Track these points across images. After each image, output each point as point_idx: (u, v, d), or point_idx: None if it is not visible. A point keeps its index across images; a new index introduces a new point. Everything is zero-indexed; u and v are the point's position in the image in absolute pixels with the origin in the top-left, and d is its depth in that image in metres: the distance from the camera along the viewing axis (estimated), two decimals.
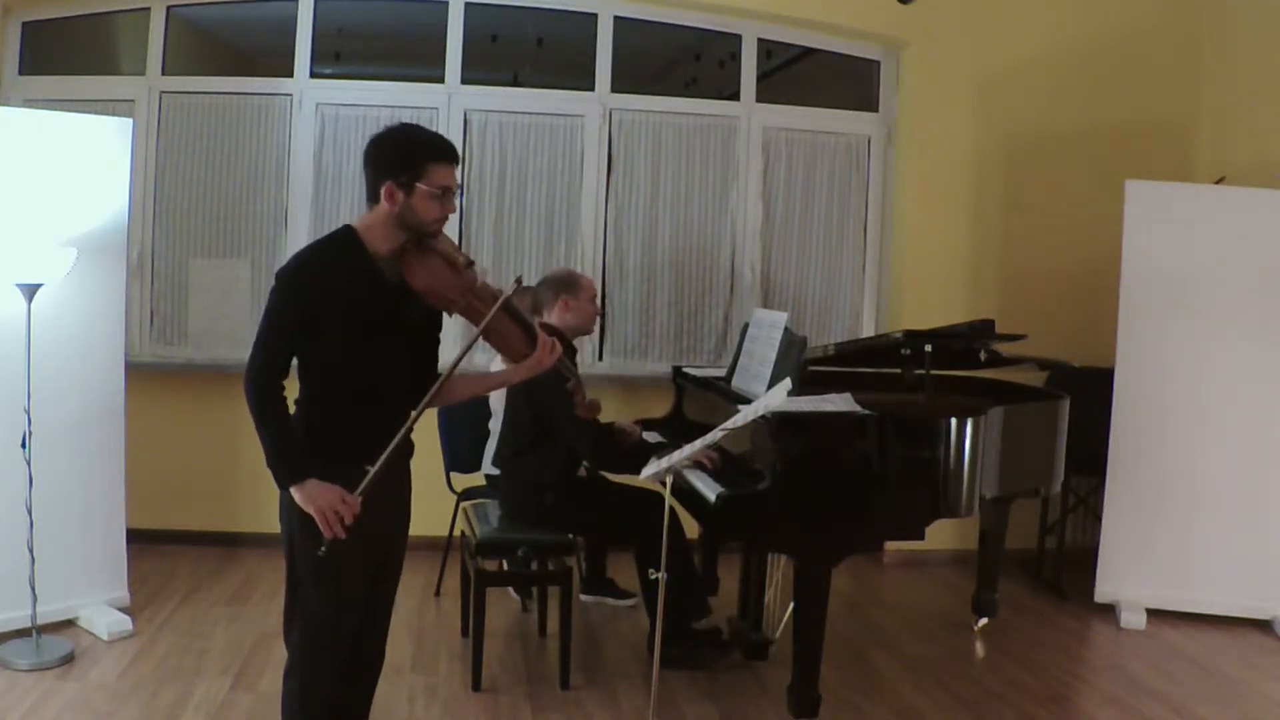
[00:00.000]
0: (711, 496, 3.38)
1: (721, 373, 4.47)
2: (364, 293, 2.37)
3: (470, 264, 2.44)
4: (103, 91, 5.19)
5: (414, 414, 2.38)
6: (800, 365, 3.81)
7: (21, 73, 5.16)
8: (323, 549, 2.30)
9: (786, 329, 3.88)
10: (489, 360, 4.87)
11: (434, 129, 5.23)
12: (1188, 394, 4.70)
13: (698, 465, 3.50)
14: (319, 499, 2.31)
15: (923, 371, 3.87)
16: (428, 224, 2.39)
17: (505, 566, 4.11)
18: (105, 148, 4.10)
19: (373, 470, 2.31)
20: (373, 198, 2.40)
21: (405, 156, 2.37)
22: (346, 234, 2.41)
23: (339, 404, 2.41)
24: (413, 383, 2.48)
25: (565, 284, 4.06)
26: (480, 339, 2.46)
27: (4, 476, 3.79)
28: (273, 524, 2.54)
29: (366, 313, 2.37)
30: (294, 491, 2.33)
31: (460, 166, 2.56)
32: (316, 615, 2.46)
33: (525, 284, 4.70)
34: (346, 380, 2.40)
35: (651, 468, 3.22)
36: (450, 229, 5.29)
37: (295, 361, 2.40)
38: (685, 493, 3.59)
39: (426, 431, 4.63)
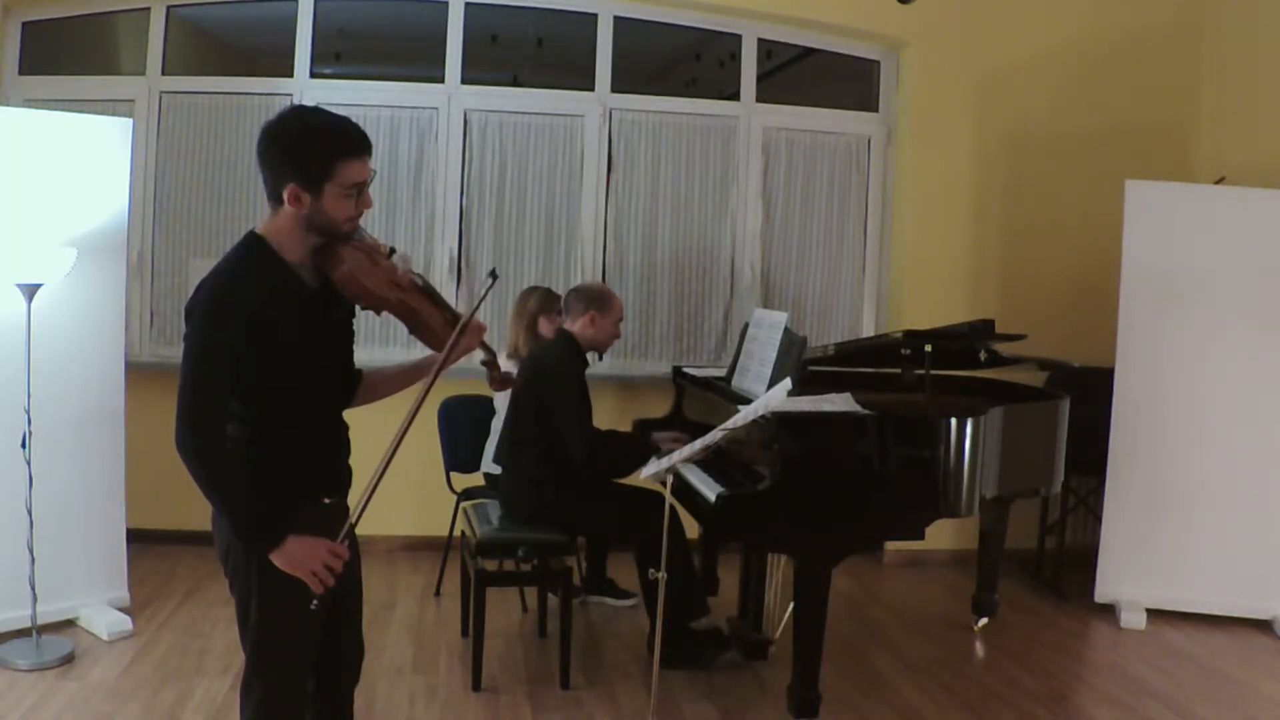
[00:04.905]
0: (711, 496, 3.38)
1: (721, 373, 4.47)
2: (292, 304, 2.13)
3: (391, 252, 2.23)
4: (103, 91, 5.19)
5: (398, 434, 2.15)
6: (800, 365, 3.81)
7: (21, 73, 5.16)
8: (315, 604, 2.09)
9: (786, 329, 3.88)
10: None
11: (434, 129, 5.38)
12: (1188, 394, 4.70)
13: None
14: (307, 560, 2.08)
15: (923, 371, 3.88)
16: (340, 225, 2.13)
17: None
18: (105, 148, 4.10)
19: (359, 508, 2.15)
20: (274, 199, 2.12)
21: (309, 156, 2.08)
22: (257, 243, 2.14)
23: (285, 435, 2.16)
24: (342, 390, 2.33)
25: (597, 300, 4.03)
26: (401, 325, 2.28)
27: (4, 476, 3.80)
28: None
29: (298, 325, 2.14)
30: (275, 557, 2.07)
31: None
32: (277, 677, 2.23)
33: (536, 285, 4.75)
34: (288, 404, 2.15)
35: (651, 468, 3.23)
36: (450, 229, 5.39)
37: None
38: (685, 493, 3.60)
39: (426, 431, 4.65)
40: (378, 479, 2.14)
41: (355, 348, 2.40)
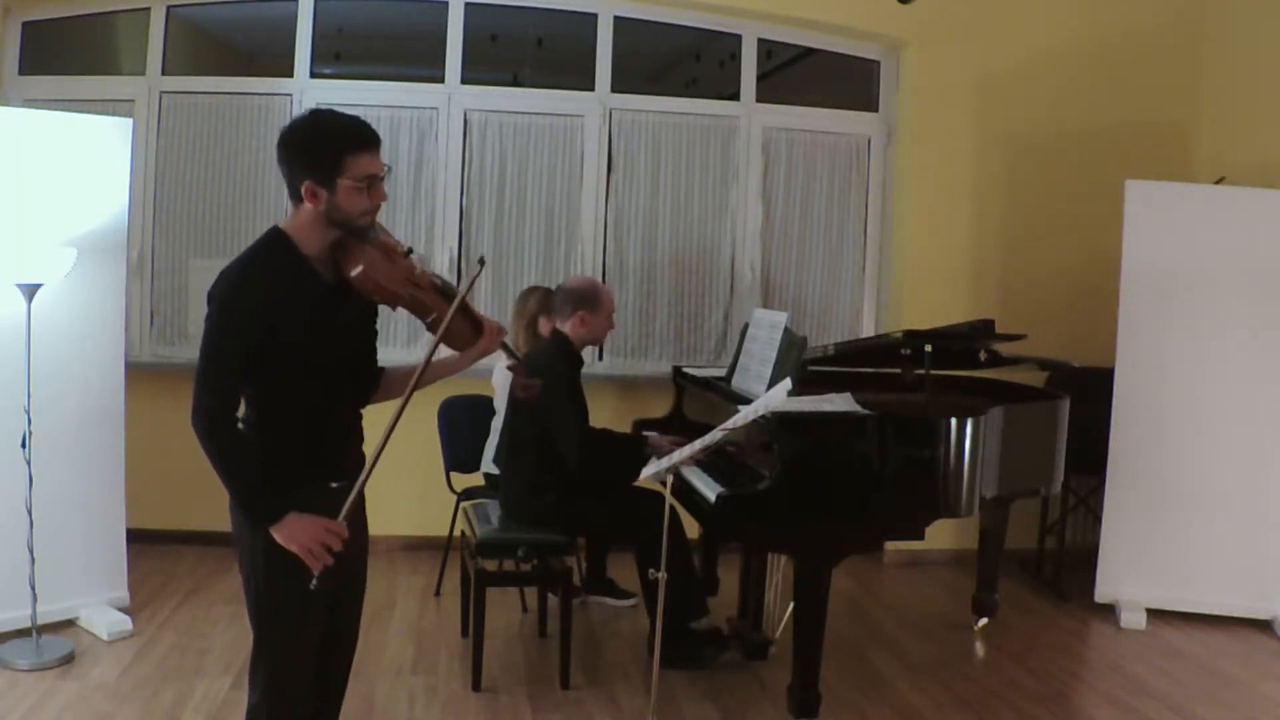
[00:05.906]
0: (711, 496, 3.38)
1: (721, 373, 4.47)
2: (308, 298, 2.23)
3: (409, 251, 2.33)
4: (103, 91, 5.19)
5: (391, 423, 2.21)
6: (800, 365, 3.81)
7: (21, 73, 5.16)
8: (314, 581, 2.16)
9: (786, 329, 3.88)
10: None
11: (434, 129, 5.37)
12: (1187, 394, 4.70)
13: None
14: (303, 536, 2.17)
15: (923, 371, 3.88)
16: (357, 218, 2.24)
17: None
18: (105, 148, 4.10)
19: (355, 489, 2.22)
20: (295, 197, 2.24)
21: (320, 153, 2.20)
22: (278, 237, 2.25)
23: (294, 420, 2.26)
24: (359, 383, 2.41)
25: (585, 300, 4.00)
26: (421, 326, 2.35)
27: (4, 476, 3.79)
28: None
29: (313, 319, 2.23)
30: (274, 532, 2.18)
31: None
32: (282, 658, 2.31)
33: (536, 285, 4.76)
34: (299, 393, 2.25)
35: (651, 468, 3.23)
36: (450, 229, 5.39)
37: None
38: (685, 493, 3.60)
39: (426, 431, 4.65)
40: (372, 464, 2.22)
41: None
